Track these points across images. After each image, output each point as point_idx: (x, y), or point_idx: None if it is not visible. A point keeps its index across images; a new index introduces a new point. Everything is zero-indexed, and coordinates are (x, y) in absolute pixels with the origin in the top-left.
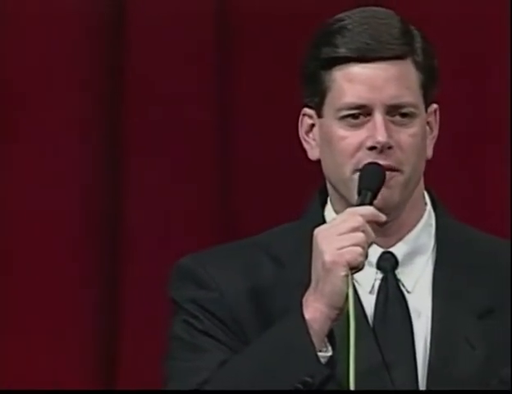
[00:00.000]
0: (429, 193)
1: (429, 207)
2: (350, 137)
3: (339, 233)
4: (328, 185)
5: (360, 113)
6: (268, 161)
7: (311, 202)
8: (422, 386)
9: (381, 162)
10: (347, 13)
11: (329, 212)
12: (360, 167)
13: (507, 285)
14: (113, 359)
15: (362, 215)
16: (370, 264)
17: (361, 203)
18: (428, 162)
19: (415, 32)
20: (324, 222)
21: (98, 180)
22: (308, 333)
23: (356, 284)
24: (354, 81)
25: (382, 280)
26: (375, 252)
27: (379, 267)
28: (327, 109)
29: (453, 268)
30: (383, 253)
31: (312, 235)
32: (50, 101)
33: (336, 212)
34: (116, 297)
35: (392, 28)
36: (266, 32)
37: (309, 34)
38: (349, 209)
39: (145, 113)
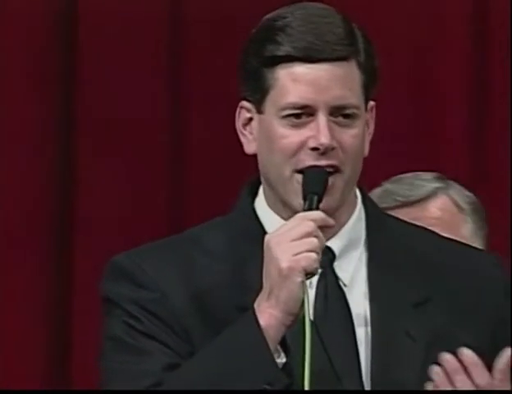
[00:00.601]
0: (359, 188)
1: (360, 201)
2: (292, 136)
3: (292, 239)
4: (263, 180)
5: (303, 113)
6: (221, 160)
7: (240, 195)
8: (367, 382)
9: (323, 162)
10: (288, 9)
11: (260, 205)
12: (300, 167)
13: (439, 273)
14: (65, 357)
15: (313, 220)
16: None
17: (309, 209)
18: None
19: (358, 32)
20: (255, 214)
21: (51, 180)
22: (265, 341)
23: None
24: (299, 81)
25: (321, 275)
26: None
27: None
28: (269, 106)
29: (385, 261)
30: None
31: (243, 228)
32: (2, 102)
33: (270, 206)
34: (67, 296)
35: (336, 27)
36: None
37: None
38: (300, 214)
39: (97, 113)
